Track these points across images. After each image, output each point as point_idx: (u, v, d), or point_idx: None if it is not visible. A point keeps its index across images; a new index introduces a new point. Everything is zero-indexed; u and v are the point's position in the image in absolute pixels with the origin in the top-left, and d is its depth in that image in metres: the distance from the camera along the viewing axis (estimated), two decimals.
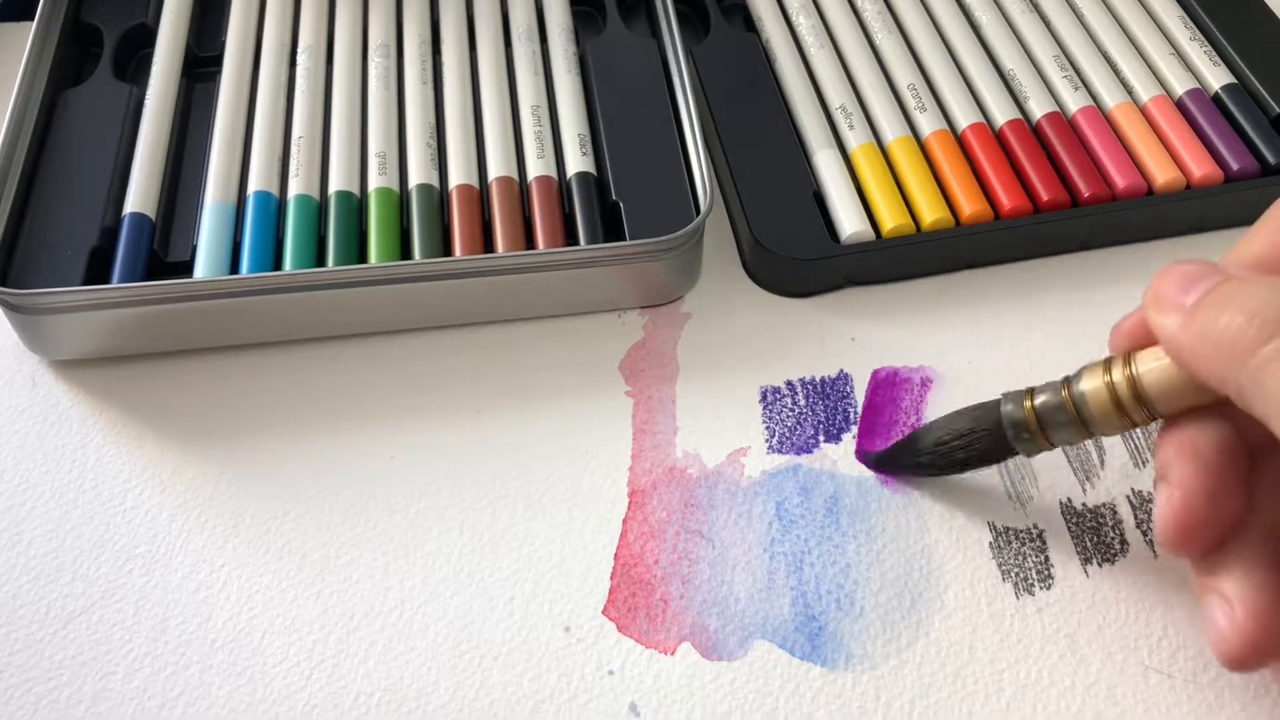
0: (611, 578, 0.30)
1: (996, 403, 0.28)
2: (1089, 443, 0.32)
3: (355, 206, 0.36)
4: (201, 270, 0.34)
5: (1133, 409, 0.25)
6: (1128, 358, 0.25)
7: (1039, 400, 0.27)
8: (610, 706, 0.28)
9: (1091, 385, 0.26)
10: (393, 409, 0.33)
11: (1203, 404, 0.24)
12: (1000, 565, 0.30)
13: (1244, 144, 0.38)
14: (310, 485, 0.31)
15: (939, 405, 0.33)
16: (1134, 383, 0.25)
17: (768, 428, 0.33)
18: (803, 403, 0.33)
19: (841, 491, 0.31)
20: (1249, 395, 0.22)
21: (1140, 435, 0.32)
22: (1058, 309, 0.36)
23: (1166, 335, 0.24)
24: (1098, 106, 0.39)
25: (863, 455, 0.32)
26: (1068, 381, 0.27)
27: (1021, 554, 0.30)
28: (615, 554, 0.30)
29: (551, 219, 0.35)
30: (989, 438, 0.28)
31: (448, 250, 0.35)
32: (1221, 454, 0.24)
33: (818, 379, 0.34)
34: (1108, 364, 0.26)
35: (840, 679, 0.28)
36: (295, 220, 0.35)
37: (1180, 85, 0.39)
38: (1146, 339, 0.25)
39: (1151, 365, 0.25)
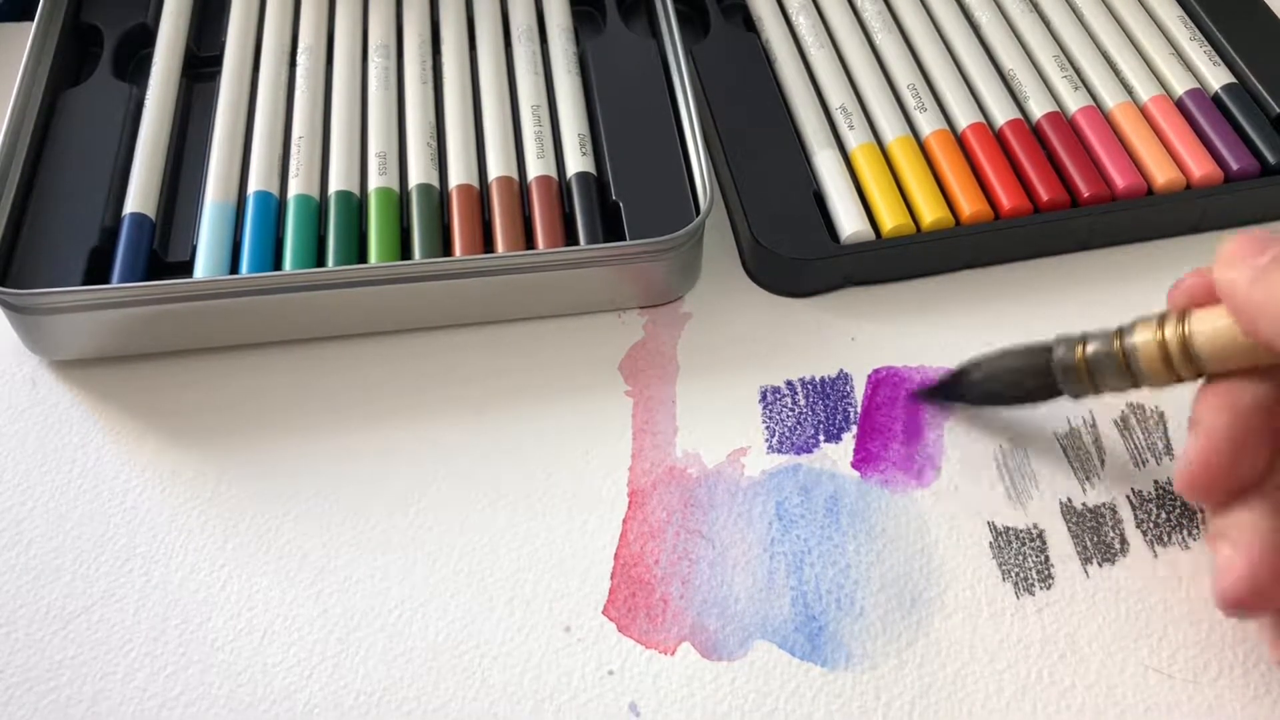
0: (611, 578, 0.30)
1: (1048, 345, 0.29)
2: (1089, 442, 0.32)
3: (355, 206, 0.36)
4: (201, 270, 0.34)
5: (1181, 365, 0.26)
6: (1182, 315, 0.26)
7: (1090, 348, 0.28)
8: (610, 706, 0.28)
9: (1143, 339, 0.26)
10: (393, 409, 0.33)
11: (1249, 365, 0.25)
12: (1000, 565, 0.30)
13: (1244, 144, 0.38)
14: (310, 485, 0.31)
15: (938, 405, 0.33)
16: (1185, 340, 0.26)
17: (768, 428, 0.33)
18: (803, 403, 0.33)
19: (841, 491, 0.31)
20: None
21: (1140, 435, 0.32)
22: (1058, 309, 0.36)
23: (1236, 289, 0.24)
24: (1098, 106, 0.39)
25: (916, 396, 0.33)
26: (1120, 332, 0.27)
27: (1021, 554, 0.30)
28: (615, 554, 0.30)
29: (551, 219, 0.35)
30: (1038, 377, 0.29)
31: (448, 250, 0.35)
32: (1255, 411, 0.25)
33: (818, 379, 0.34)
34: (1162, 319, 0.26)
35: (840, 679, 0.28)
36: (295, 220, 0.35)
37: (1180, 85, 0.39)
38: (1204, 298, 0.26)
39: (1205, 325, 0.25)
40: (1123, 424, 0.33)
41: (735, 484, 0.32)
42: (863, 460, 0.32)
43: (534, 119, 0.38)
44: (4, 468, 0.32)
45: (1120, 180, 0.37)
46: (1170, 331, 0.26)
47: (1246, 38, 0.41)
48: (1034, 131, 0.38)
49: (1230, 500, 0.26)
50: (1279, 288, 0.23)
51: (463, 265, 0.33)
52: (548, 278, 0.34)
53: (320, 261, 0.35)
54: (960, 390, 0.32)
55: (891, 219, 0.36)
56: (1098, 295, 0.36)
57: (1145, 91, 0.39)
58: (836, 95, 0.39)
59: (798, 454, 0.32)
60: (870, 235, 0.36)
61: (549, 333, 0.35)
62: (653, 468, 0.32)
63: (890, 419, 0.33)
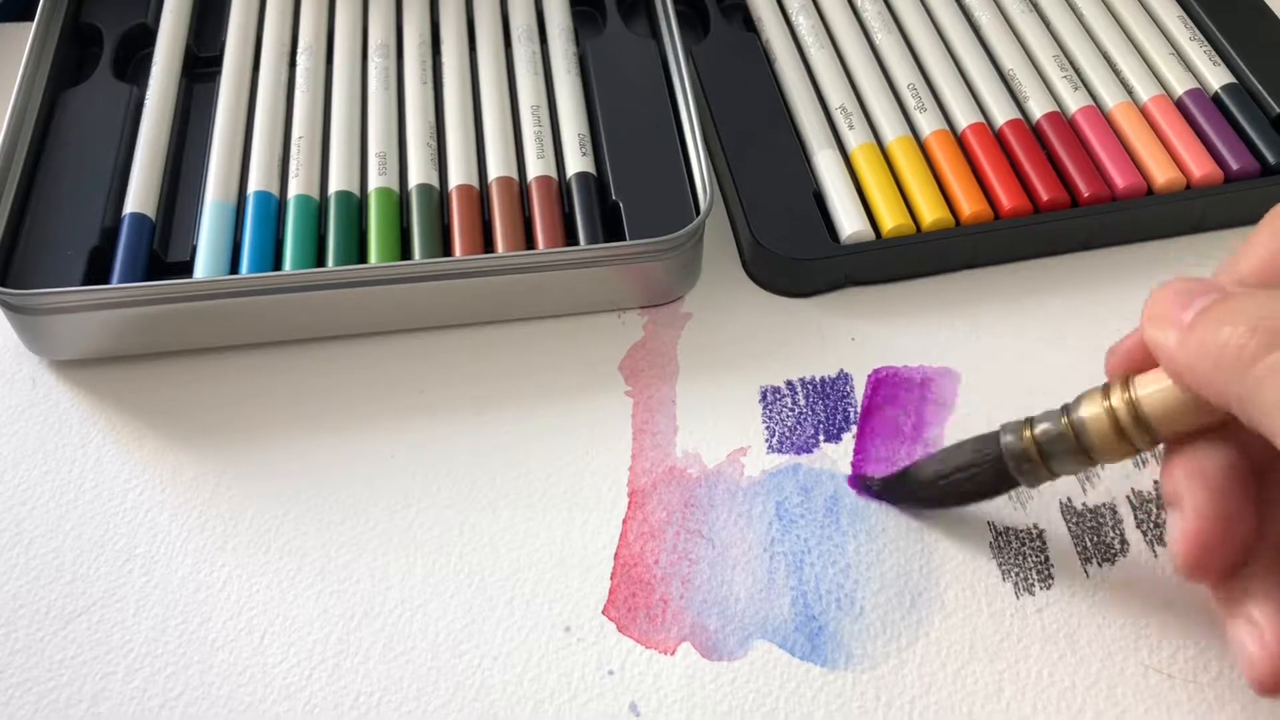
0: (611, 578, 0.30)
1: (996, 434, 0.28)
2: None
3: (355, 206, 0.36)
4: (201, 270, 0.34)
5: (1134, 434, 0.25)
6: (1126, 381, 0.25)
7: (1039, 429, 0.26)
8: (610, 706, 0.27)
9: (1091, 412, 0.25)
10: (393, 409, 0.33)
11: (1204, 425, 0.24)
12: (1000, 565, 0.30)
13: (1244, 144, 0.38)
14: (310, 485, 0.31)
15: (938, 405, 0.33)
16: (1134, 407, 0.24)
17: (768, 427, 0.33)
18: (803, 402, 0.33)
19: (841, 491, 0.31)
20: (1250, 407, 0.21)
21: None
22: (1058, 309, 0.36)
23: (1165, 352, 0.23)
24: (1098, 106, 0.39)
25: (859, 483, 0.32)
26: (1066, 409, 0.26)
27: (1021, 554, 0.30)
28: (615, 554, 0.30)
29: (551, 219, 0.35)
30: (990, 470, 0.28)
31: (448, 250, 0.35)
32: (1230, 476, 0.24)
33: (818, 379, 0.34)
34: (1106, 389, 0.25)
35: (840, 679, 0.28)
36: (295, 220, 0.35)
37: (1180, 85, 0.39)
38: (1144, 361, 0.25)
39: (1151, 388, 0.24)
40: None
41: (735, 484, 0.32)
42: (863, 460, 0.32)
43: (534, 119, 0.38)
44: (4, 468, 0.32)
45: (1120, 180, 0.37)
46: (1117, 399, 0.25)
47: (1246, 38, 0.41)
48: (1034, 131, 0.38)
49: (1231, 573, 0.25)
50: (1209, 342, 0.22)
51: (463, 265, 0.33)
52: (548, 278, 0.34)
53: (320, 261, 0.35)
54: (914, 489, 0.30)
55: (891, 219, 0.36)
56: (1098, 295, 0.36)
57: (1145, 91, 0.39)
58: (836, 95, 0.39)
59: (798, 454, 0.32)
60: (870, 235, 0.36)
61: (549, 333, 0.35)
62: (653, 468, 0.32)
63: (890, 419, 0.33)
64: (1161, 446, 0.26)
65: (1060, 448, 0.26)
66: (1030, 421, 0.27)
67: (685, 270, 0.35)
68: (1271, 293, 0.22)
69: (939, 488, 0.29)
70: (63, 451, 0.32)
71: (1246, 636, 0.24)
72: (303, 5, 0.42)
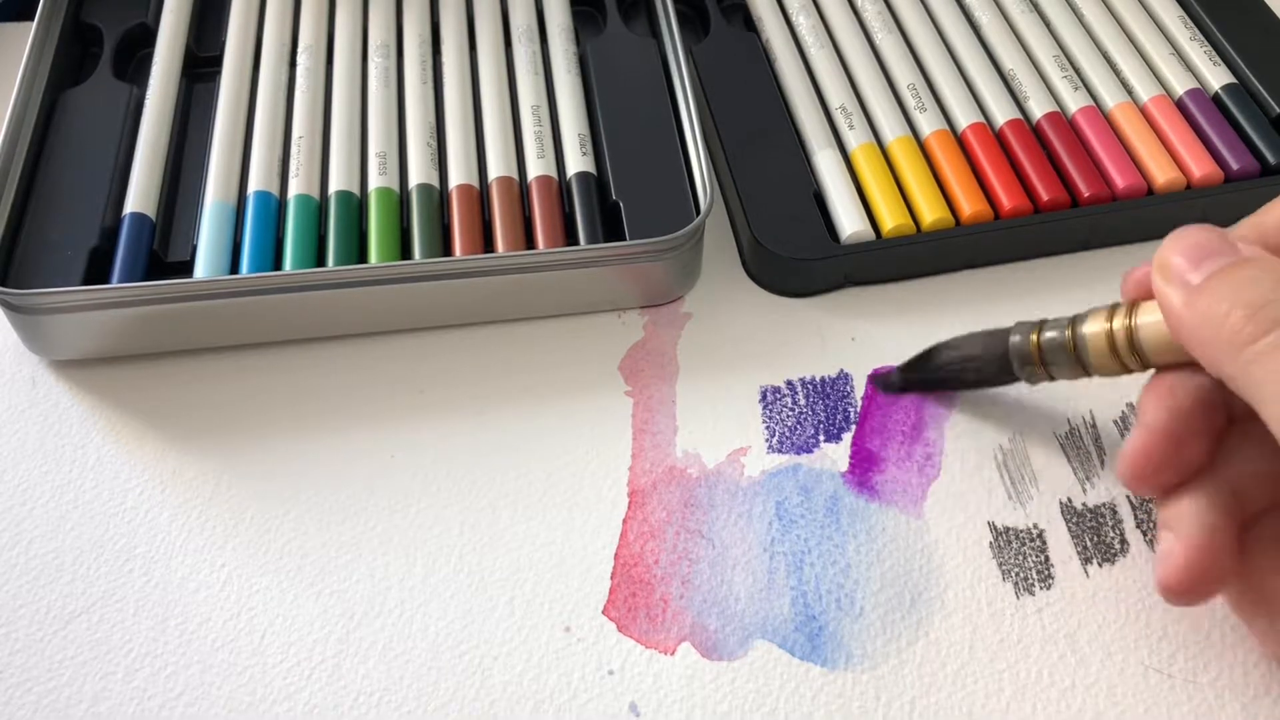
0: (611, 578, 0.30)
1: (1006, 331, 0.29)
2: (1089, 442, 0.32)
3: (355, 206, 0.36)
4: (201, 270, 0.34)
5: (1127, 356, 0.26)
6: (1132, 307, 0.26)
7: (1045, 335, 0.28)
8: (610, 706, 0.28)
9: (1092, 329, 0.27)
10: (393, 409, 0.33)
11: (1190, 360, 0.25)
12: (1000, 565, 0.30)
13: (1244, 144, 0.38)
14: (310, 485, 0.31)
15: (938, 405, 0.33)
16: (1131, 332, 0.26)
17: (768, 427, 0.33)
18: (803, 402, 0.33)
19: (841, 491, 0.31)
20: (1240, 383, 0.23)
21: None
22: (1058, 309, 0.35)
23: (1169, 308, 0.24)
24: (1098, 106, 0.39)
25: (878, 382, 0.34)
26: (1074, 321, 0.28)
27: (1021, 554, 0.30)
28: (615, 554, 0.30)
29: (551, 219, 0.35)
30: (996, 364, 0.30)
31: (448, 250, 0.35)
32: (1194, 404, 0.25)
33: (818, 379, 0.34)
34: (1112, 310, 0.27)
35: (840, 679, 0.28)
36: (295, 220, 0.35)
37: (1180, 85, 0.39)
38: (1151, 292, 0.26)
39: (1150, 319, 0.26)
40: (1123, 424, 0.33)
41: (735, 484, 0.32)
42: (863, 460, 0.32)
43: (534, 119, 0.38)
44: (4, 468, 0.32)
45: (1120, 180, 0.37)
46: (1118, 323, 0.26)
47: (1246, 38, 0.41)
48: (1034, 131, 0.38)
49: (1169, 490, 0.26)
50: (1211, 314, 0.23)
51: (463, 265, 0.33)
52: (548, 278, 0.34)
53: (320, 261, 0.35)
54: (920, 373, 0.33)
55: (891, 219, 0.36)
56: (1098, 295, 0.36)
57: (1145, 91, 0.39)
58: (836, 95, 0.39)
59: (798, 454, 0.32)
60: (870, 235, 0.36)
61: (549, 333, 0.35)
62: (653, 468, 0.32)
63: (890, 419, 0.33)
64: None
65: (1060, 356, 0.28)
66: (1041, 325, 0.29)
67: (685, 270, 0.35)
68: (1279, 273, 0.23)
69: (949, 372, 0.32)
70: (63, 451, 0.32)
71: (1164, 543, 0.26)
72: (303, 5, 0.42)
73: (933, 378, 0.32)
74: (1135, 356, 0.26)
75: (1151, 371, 0.27)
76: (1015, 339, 0.29)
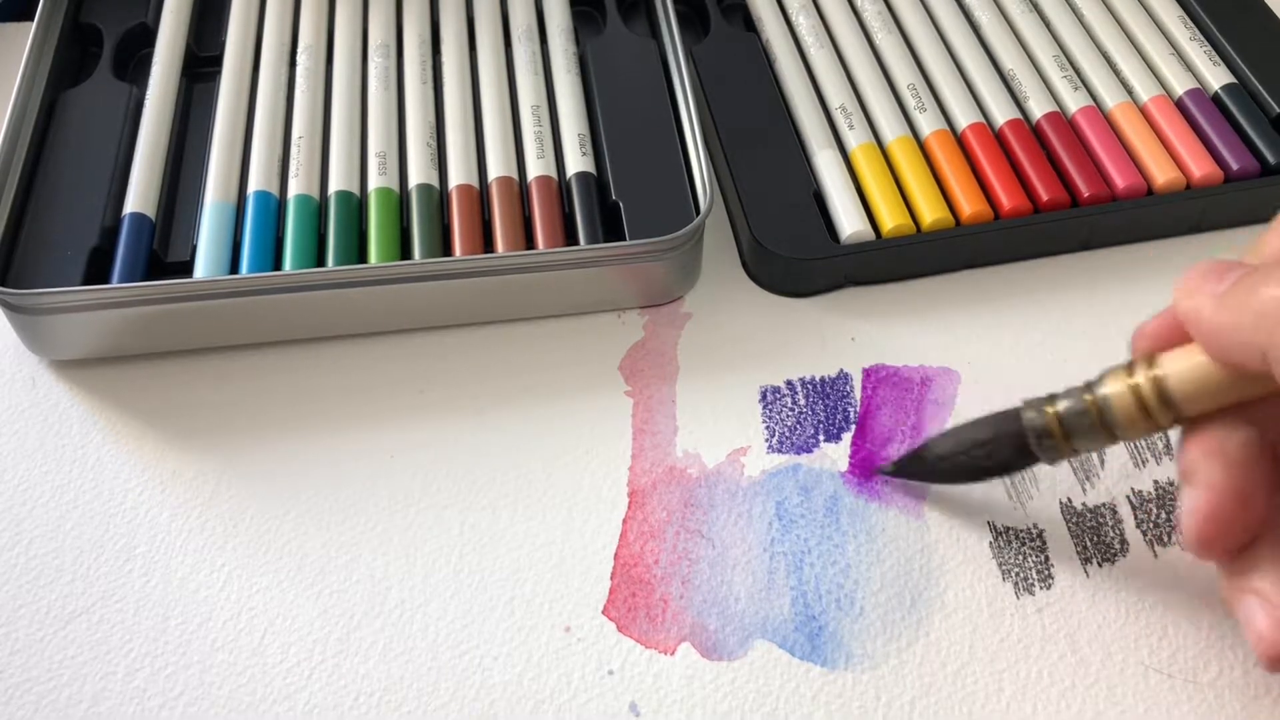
0: (611, 578, 0.30)
1: (1017, 410, 0.28)
2: None
3: (355, 206, 0.36)
4: (201, 270, 0.34)
5: (1157, 412, 0.25)
6: (1150, 359, 0.25)
7: (1062, 406, 0.27)
8: (610, 706, 0.27)
9: (1115, 389, 0.25)
10: (393, 409, 0.33)
11: (1227, 404, 0.24)
12: (1000, 565, 0.30)
13: (1244, 144, 0.38)
14: (310, 485, 0.31)
15: (938, 405, 0.33)
16: (1158, 384, 0.25)
17: (768, 427, 0.33)
18: (803, 402, 0.33)
19: (841, 491, 0.31)
20: None
21: None
22: (1058, 309, 0.36)
23: (1200, 317, 0.24)
24: (1098, 106, 0.39)
25: (865, 468, 0.32)
26: (1089, 386, 0.26)
27: (1021, 554, 0.30)
28: (615, 554, 0.30)
29: (551, 219, 0.35)
30: (1011, 446, 0.28)
31: (448, 250, 0.35)
32: (1248, 455, 0.24)
33: (818, 379, 0.34)
34: (1130, 367, 0.26)
35: (840, 679, 0.28)
36: (295, 220, 0.35)
37: (1180, 85, 0.39)
38: (1171, 341, 0.25)
39: (1176, 366, 0.25)
40: None
41: (735, 484, 0.32)
42: (863, 460, 0.32)
43: (534, 119, 0.38)
44: (4, 468, 0.32)
45: (1120, 180, 0.37)
46: (1141, 376, 0.25)
47: (1246, 38, 0.41)
48: (1034, 131, 0.38)
49: (1240, 551, 0.25)
50: (1246, 302, 0.23)
51: (463, 265, 0.33)
52: (548, 278, 0.34)
53: (320, 261, 0.35)
54: (926, 468, 0.30)
55: (891, 219, 0.36)
56: (1098, 295, 0.36)
57: (1145, 91, 0.39)
58: (836, 95, 0.39)
59: (798, 454, 0.32)
60: (870, 235, 0.36)
61: (549, 333, 0.35)
62: (653, 468, 0.32)
63: (890, 419, 0.33)
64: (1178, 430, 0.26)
65: (1083, 424, 0.26)
66: (1052, 398, 0.27)
67: (685, 270, 0.35)
68: None
69: (954, 463, 0.29)
70: (63, 451, 0.32)
71: (1256, 611, 0.24)
72: (303, 5, 0.42)
73: (939, 469, 0.30)
74: (1166, 410, 0.25)
75: (1177, 432, 0.26)
76: (1030, 415, 0.27)
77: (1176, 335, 0.25)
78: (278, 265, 0.34)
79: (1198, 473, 0.24)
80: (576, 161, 0.37)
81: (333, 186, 0.36)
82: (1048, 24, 0.42)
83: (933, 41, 0.41)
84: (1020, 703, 0.28)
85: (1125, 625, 0.29)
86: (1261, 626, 0.24)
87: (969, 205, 0.36)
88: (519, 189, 0.36)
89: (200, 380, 0.34)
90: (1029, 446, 0.27)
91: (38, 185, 0.36)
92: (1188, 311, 0.24)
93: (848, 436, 0.33)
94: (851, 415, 0.33)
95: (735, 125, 0.38)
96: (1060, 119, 0.38)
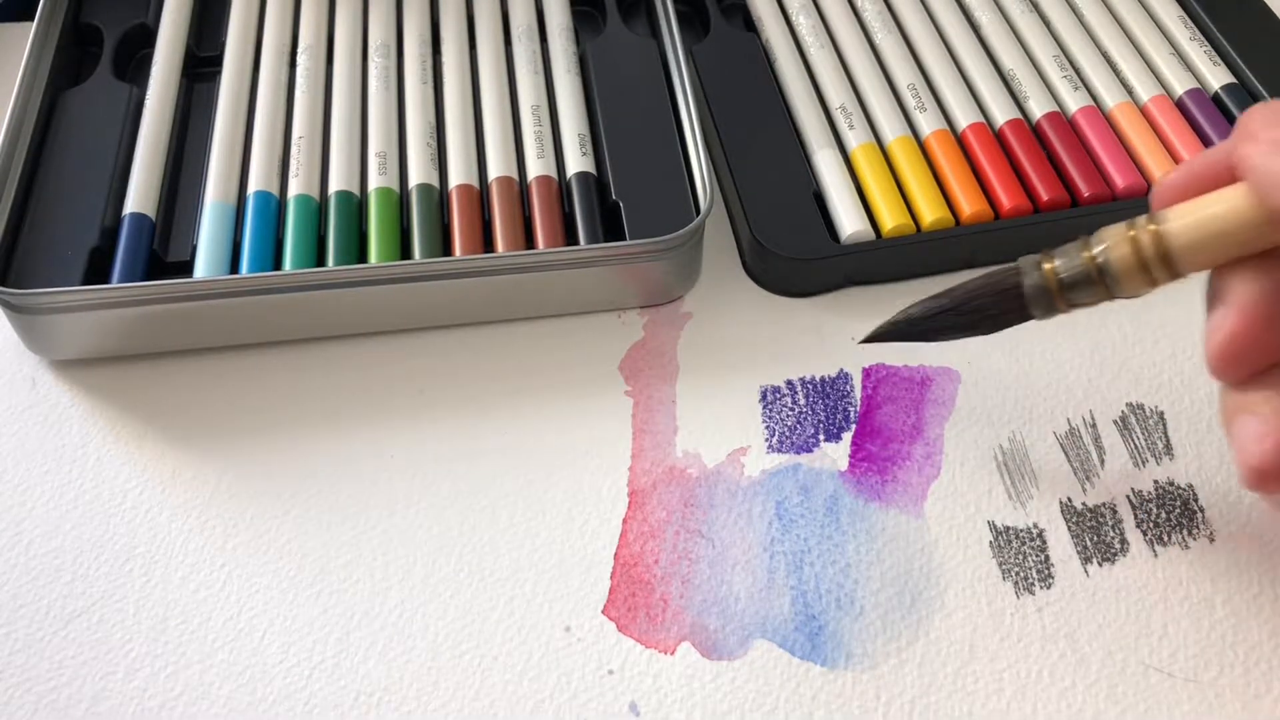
0: (611, 578, 0.30)
1: (1015, 266, 0.28)
2: (1089, 442, 0.32)
3: (355, 206, 0.36)
4: (201, 270, 0.34)
5: (1156, 268, 0.25)
6: (1150, 217, 0.25)
7: (1058, 262, 0.27)
8: (610, 706, 0.27)
9: (1114, 242, 0.26)
10: (393, 409, 0.33)
11: (1226, 260, 0.24)
12: (1000, 565, 0.30)
13: None
14: (310, 485, 0.31)
15: (938, 405, 0.33)
16: (1160, 239, 0.25)
17: (768, 427, 0.33)
18: (803, 402, 0.33)
19: (841, 491, 0.31)
20: None
21: (1140, 435, 0.32)
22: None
23: (1254, 162, 0.23)
24: (1098, 106, 0.39)
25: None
26: (1086, 244, 0.26)
27: (1021, 554, 0.30)
28: (615, 554, 0.30)
29: (551, 219, 0.35)
30: (1006, 299, 0.28)
31: (448, 250, 0.35)
32: (1277, 285, 0.24)
33: (818, 378, 0.34)
34: (1130, 224, 0.26)
35: (840, 679, 0.28)
36: (295, 220, 0.35)
37: (1180, 85, 0.39)
38: (1197, 191, 0.25)
39: (1180, 221, 0.25)
40: (1122, 424, 0.33)
41: (735, 484, 0.32)
42: (863, 460, 0.32)
43: (534, 119, 0.38)
44: (4, 468, 0.32)
45: (1120, 180, 0.37)
46: (1142, 233, 0.25)
47: (1246, 38, 0.41)
48: (1034, 131, 0.38)
49: (1254, 376, 0.25)
50: None
51: (463, 265, 0.33)
52: (548, 278, 0.34)
53: (320, 261, 0.35)
54: (926, 320, 0.30)
55: (891, 219, 0.36)
56: None
57: (1145, 91, 0.39)
58: (836, 95, 0.39)
59: (798, 453, 0.32)
60: (870, 235, 0.36)
61: (549, 333, 0.35)
62: (653, 468, 0.32)
63: (890, 418, 0.33)
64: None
65: (1079, 279, 0.26)
66: (1048, 254, 0.27)
67: (685, 270, 0.35)
68: None
69: (948, 318, 0.29)
70: (63, 451, 0.32)
71: (1250, 426, 0.24)
72: (303, 5, 0.42)
73: (934, 326, 0.30)
74: (1164, 265, 0.25)
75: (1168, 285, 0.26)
76: (1032, 277, 0.27)
77: (1200, 188, 0.25)
78: (278, 265, 0.34)
79: (1231, 293, 0.24)
80: (576, 161, 0.37)
81: (333, 186, 0.36)
82: (1048, 24, 0.42)
83: (933, 41, 0.41)
84: (1020, 702, 0.28)
85: (1125, 625, 0.29)
86: (1249, 437, 0.24)
87: (969, 205, 0.36)
88: (519, 189, 0.37)
89: (200, 380, 0.34)
90: (1023, 301, 0.27)
91: (38, 185, 0.36)
92: (1243, 158, 0.24)
93: (848, 436, 0.33)
94: (852, 415, 0.33)
95: (735, 125, 0.38)
96: (1060, 119, 0.38)
